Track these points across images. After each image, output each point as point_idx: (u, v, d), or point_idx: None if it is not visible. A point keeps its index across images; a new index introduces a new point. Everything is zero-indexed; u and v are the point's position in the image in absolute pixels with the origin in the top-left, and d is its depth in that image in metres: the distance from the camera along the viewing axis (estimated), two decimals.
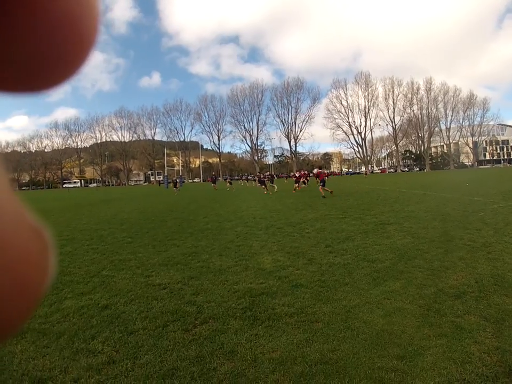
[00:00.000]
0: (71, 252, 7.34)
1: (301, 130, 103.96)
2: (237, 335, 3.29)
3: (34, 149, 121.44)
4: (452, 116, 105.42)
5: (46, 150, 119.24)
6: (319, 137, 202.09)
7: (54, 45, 0.22)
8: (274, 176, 29.81)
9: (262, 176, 26.28)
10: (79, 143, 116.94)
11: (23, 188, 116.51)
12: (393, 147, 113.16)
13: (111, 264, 6.10)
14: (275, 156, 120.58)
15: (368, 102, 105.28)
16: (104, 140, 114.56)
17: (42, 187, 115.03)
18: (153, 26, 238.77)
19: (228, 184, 36.64)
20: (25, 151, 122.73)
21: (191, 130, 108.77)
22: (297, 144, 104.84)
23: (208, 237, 8.23)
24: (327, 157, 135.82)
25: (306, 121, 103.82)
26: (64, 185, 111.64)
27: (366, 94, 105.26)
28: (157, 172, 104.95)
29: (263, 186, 24.72)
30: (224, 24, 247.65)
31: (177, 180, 37.93)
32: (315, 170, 20.72)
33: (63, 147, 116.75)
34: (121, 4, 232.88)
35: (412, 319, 3.43)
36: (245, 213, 12.74)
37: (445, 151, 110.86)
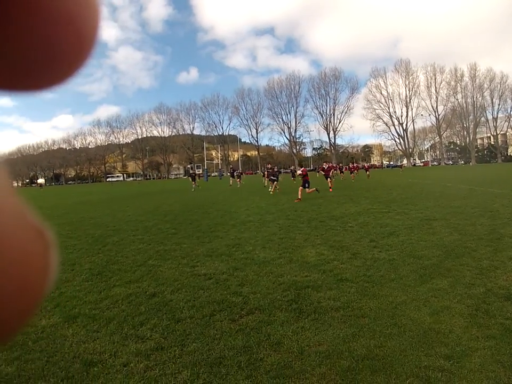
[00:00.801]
0: (117, 242, 7.67)
1: (339, 122, 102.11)
2: (283, 327, 3.29)
3: (79, 145, 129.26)
4: (499, 105, 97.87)
5: (89, 147, 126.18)
6: (359, 128, 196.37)
7: (52, 44, 0.21)
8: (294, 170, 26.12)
9: (272, 169, 21.71)
10: (121, 139, 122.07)
11: (69, 182, 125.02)
12: (437, 138, 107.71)
13: (157, 254, 6.29)
14: (314, 149, 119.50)
15: (409, 91, 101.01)
16: (144, 136, 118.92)
17: (87, 181, 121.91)
18: (188, 22, 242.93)
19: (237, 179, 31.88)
20: (70, 148, 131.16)
21: (229, 124, 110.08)
22: (336, 136, 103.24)
23: (250, 229, 8.29)
24: (367, 149, 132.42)
25: (345, 112, 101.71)
26: (107, 179, 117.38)
27: (407, 82, 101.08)
28: (197, 166, 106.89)
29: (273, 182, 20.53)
30: (258, 16, 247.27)
31: (234, 172, 34.72)
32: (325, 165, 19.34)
33: (106, 143, 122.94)
34: (155, 2, 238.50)
35: (460, 319, 3.31)
36: (285, 206, 12.72)
37: (492, 142, 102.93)
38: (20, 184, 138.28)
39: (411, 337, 3.01)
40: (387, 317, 3.39)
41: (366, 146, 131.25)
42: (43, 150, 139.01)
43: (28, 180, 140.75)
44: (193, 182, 29.93)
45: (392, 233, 6.99)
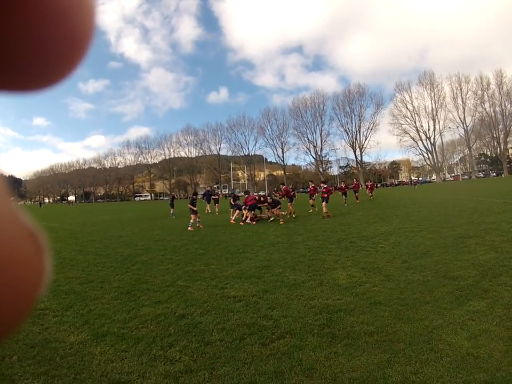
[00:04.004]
0: (146, 261, 7.80)
1: (366, 139, 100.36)
2: (316, 352, 3.23)
3: (109, 165, 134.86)
4: None
5: (119, 166, 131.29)
6: (386, 144, 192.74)
7: (46, 43, 0.21)
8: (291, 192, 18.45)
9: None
10: (149, 160, 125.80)
11: (98, 200, 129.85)
12: (466, 151, 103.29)
13: (186, 275, 6.34)
14: (340, 167, 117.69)
15: (435, 104, 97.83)
16: (172, 156, 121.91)
17: (116, 200, 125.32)
18: (217, 42, 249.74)
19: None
20: (100, 167, 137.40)
21: (255, 144, 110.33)
22: (363, 154, 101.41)
23: (279, 250, 8.25)
24: (395, 166, 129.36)
25: (371, 129, 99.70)
26: (135, 198, 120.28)
27: (432, 95, 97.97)
28: (223, 186, 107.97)
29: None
30: (287, 35, 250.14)
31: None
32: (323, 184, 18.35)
33: (135, 163, 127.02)
34: (185, 24, 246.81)
35: (499, 343, 3.18)
36: (314, 226, 12.60)
37: None
38: (51, 201, 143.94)
39: (448, 363, 2.92)
40: (423, 342, 3.30)
41: (393, 163, 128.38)
42: (74, 169, 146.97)
43: (58, 197, 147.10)
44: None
45: (426, 253, 6.83)
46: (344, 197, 23.37)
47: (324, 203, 15.34)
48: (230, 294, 5.04)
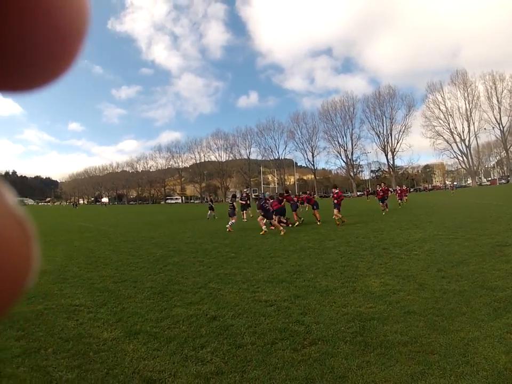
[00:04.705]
0: (178, 263, 7.94)
1: (397, 142, 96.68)
2: (348, 360, 3.17)
3: (141, 169, 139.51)
4: None
5: (151, 170, 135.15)
6: (418, 147, 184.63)
7: (37, 43, 0.21)
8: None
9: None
10: (180, 164, 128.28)
11: (130, 202, 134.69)
12: (503, 153, 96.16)
13: (217, 278, 6.40)
14: (372, 171, 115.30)
15: (469, 104, 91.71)
16: (202, 160, 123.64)
17: (148, 202, 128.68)
18: (246, 47, 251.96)
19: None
20: (133, 171, 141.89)
21: (285, 148, 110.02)
22: (395, 157, 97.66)
23: (311, 255, 8.18)
24: (428, 170, 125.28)
25: (403, 132, 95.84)
26: (167, 201, 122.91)
27: (466, 94, 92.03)
28: (253, 190, 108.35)
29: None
30: (315, 37, 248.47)
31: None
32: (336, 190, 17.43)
33: (166, 167, 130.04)
34: (213, 29, 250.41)
35: None
36: (345, 232, 12.42)
37: None
38: (86, 202, 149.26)
39: (484, 378, 2.80)
40: (458, 354, 3.18)
41: (427, 167, 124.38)
42: (108, 172, 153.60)
43: (93, 199, 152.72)
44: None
45: (462, 262, 6.61)
46: (381, 203, 20.76)
47: (335, 210, 14.99)
48: (261, 298, 5.04)
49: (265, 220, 13.88)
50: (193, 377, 3.02)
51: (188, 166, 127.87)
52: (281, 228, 13.48)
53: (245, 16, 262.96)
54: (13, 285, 0.22)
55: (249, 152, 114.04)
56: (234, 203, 15.95)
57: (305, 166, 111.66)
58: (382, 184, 21.59)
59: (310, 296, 5.06)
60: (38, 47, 0.22)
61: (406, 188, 35.74)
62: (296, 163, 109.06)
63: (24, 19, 0.21)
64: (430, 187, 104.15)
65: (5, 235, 0.21)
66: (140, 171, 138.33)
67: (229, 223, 14.81)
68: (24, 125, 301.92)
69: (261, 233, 13.08)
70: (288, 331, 3.86)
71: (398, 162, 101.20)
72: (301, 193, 21.49)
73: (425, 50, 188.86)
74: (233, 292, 5.43)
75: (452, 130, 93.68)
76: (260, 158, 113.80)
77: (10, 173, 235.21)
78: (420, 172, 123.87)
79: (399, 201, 26.72)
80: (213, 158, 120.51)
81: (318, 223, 16.07)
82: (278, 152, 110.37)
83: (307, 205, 20.36)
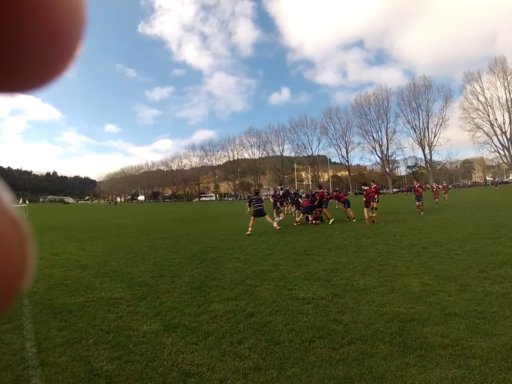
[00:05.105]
0: (215, 259, 8.04)
1: (435, 136, 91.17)
2: (387, 361, 3.11)
3: (175, 167, 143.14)
4: None
5: (185, 168, 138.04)
6: (457, 141, 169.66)
7: (34, 42, 0.21)
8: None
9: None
10: (213, 162, 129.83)
11: (166, 200, 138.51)
12: None
13: (254, 274, 6.43)
14: (408, 167, 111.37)
15: (509, 94, 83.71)
16: (236, 158, 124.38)
17: (182, 200, 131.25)
18: (276, 43, 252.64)
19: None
20: (167, 169, 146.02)
21: (318, 145, 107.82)
22: (432, 152, 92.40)
23: (348, 253, 8.08)
24: (467, 165, 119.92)
25: (440, 125, 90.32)
26: (201, 199, 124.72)
27: (506, 83, 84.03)
28: (286, 186, 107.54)
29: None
30: (345, 30, 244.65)
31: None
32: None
33: (200, 165, 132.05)
34: (242, 27, 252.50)
35: None
36: (382, 230, 12.18)
37: None
38: (123, 200, 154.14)
39: None
40: (501, 360, 3.04)
41: (466, 161, 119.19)
42: (144, 171, 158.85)
43: (129, 197, 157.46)
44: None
45: (505, 263, 6.33)
46: (417, 201, 18.77)
47: (365, 209, 14.63)
48: (298, 296, 5.02)
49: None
50: (231, 372, 3.04)
51: (222, 164, 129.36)
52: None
53: (273, 12, 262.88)
54: (8, 286, 0.22)
55: (282, 149, 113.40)
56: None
57: (339, 162, 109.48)
58: (415, 182, 19.74)
59: (348, 294, 4.99)
60: (34, 47, 0.22)
61: (446, 185, 33.62)
62: (330, 159, 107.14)
63: (21, 20, 0.20)
64: (469, 183, 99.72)
65: (1, 236, 0.21)
66: (175, 169, 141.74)
67: (276, 220, 15.07)
68: (63, 128, 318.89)
69: (277, 228, 13.12)
70: (326, 329, 3.83)
71: (435, 157, 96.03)
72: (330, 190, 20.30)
73: (460, 38, 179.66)
74: (270, 289, 5.44)
75: (492, 122, 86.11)
76: (293, 154, 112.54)
77: (51, 173, 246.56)
78: (458, 167, 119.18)
79: (436, 200, 23.72)
80: (246, 156, 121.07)
81: (353, 220, 15.92)
82: (311, 149, 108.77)
83: (337, 202, 19.85)
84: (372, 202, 17.94)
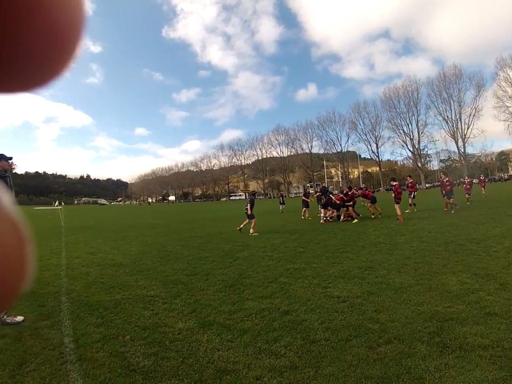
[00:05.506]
0: (247, 257, 8.09)
1: (468, 127, 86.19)
2: (425, 361, 3.04)
3: (205, 167, 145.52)
4: None
5: (214, 168, 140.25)
6: (491, 132, 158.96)
7: (32, 42, 0.21)
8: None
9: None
10: (242, 161, 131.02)
11: (196, 200, 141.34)
12: None
13: (287, 272, 6.42)
14: (441, 160, 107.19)
15: None
16: (264, 156, 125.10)
17: (212, 199, 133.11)
18: (299, 39, 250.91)
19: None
20: (197, 169, 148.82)
21: (347, 140, 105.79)
22: (466, 144, 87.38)
23: (382, 251, 7.94)
24: (503, 157, 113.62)
25: (473, 116, 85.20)
26: (230, 198, 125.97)
27: None
28: (316, 184, 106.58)
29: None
30: (370, 20, 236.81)
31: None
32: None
33: (229, 165, 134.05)
34: (265, 25, 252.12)
35: None
36: (416, 227, 11.90)
37: None
38: (154, 200, 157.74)
39: None
40: None
41: (501, 154, 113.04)
42: (174, 172, 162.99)
43: (160, 197, 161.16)
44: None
45: None
46: (447, 198, 16.55)
47: (396, 205, 14.21)
48: (333, 294, 4.96)
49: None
50: (267, 370, 3.04)
51: (250, 163, 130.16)
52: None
53: (294, 8, 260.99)
54: (8, 289, 0.22)
55: (311, 146, 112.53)
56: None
57: (370, 157, 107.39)
58: (441, 176, 17.71)
59: (384, 293, 4.90)
60: (34, 47, 0.22)
61: (484, 178, 31.75)
62: (359, 155, 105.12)
63: (21, 19, 0.20)
64: (506, 176, 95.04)
65: (1, 241, 0.21)
66: (204, 170, 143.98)
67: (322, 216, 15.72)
68: (94, 133, 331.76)
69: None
70: (363, 328, 3.77)
71: (469, 150, 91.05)
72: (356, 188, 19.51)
73: (491, 21, 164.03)
74: (304, 287, 5.41)
75: None
76: (322, 151, 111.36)
77: (85, 176, 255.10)
78: (494, 159, 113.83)
79: (467, 196, 21.29)
80: (275, 154, 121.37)
81: (380, 215, 15.84)
82: (340, 145, 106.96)
83: (364, 199, 19.43)
84: (408, 198, 17.48)
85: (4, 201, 0.22)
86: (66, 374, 3.11)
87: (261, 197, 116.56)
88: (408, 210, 17.36)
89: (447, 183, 16.35)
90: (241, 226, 13.53)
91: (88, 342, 3.75)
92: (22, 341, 3.86)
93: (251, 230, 12.69)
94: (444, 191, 16.75)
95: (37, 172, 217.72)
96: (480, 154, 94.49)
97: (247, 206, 13.17)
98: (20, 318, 4.42)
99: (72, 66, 0.24)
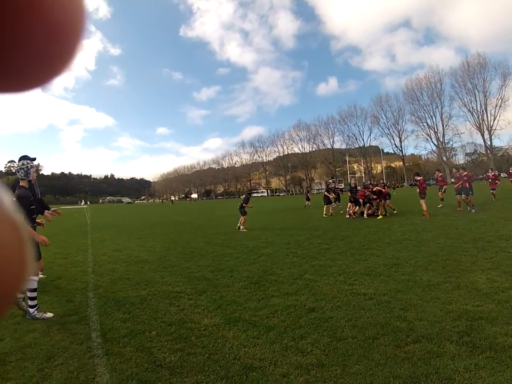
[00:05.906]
0: (272, 254, 8.10)
1: (494, 119, 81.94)
2: (454, 362, 2.96)
3: (226, 165, 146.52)
4: None
5: (236, 166, 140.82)
6: None
7: (33, 41, 0.21)
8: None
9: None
10: (264, 158, 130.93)
11: (218, 197, 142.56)
12: None
13: (312, 269, 6.40)
14: (467, 154, 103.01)
15: None
16: (286, 153, 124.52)
17: (234, 196, 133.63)
18: (318, 32, 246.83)
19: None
20: (218, 167, 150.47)
21: (370, 135, 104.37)
22: (492, 137, 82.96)
23: (408, 248, 7.80)
24: None
25: (500, 106, 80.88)
26: (252, 195, 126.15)
27: None
28: (338, 180, 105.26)
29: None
30: (389, 10, 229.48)
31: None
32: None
33: (250, 162, 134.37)
34: (282, 19, 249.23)
35: None
36: (443, 223, 11.64)
37: None
38: (177, 198, 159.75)
39: None
40: None
41: None
42: (195, 170, 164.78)
43: (183, 195, 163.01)
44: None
45: None
46: (492, 190, 17.95)
47: (422, 200, 13.92)
48: (360, 291, 4.92)
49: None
50: (294, 367, 3.04)
51: (272, 160, 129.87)
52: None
53: (311, 1, 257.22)
54: (7, 289, 0.22)
55: (332, 142, 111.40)
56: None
57: (393, 152, 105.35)
58: (455, 171, 16.34)
59: (411, 291, 4.82)
60: (35, 47, 0.22)
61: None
62: (382, 150, 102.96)
63: (21, 19, 0.20)
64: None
65: (1, 242, 0.21)
66: (226, 167, 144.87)
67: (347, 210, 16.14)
68: (117, 134, 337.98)
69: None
70: (390, 326, 3.72)
71: (496, 143, 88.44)
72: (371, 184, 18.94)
73: None
74: (329, 284, 5.37)
75: None
76: (344, 146, 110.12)
77: (109, 176, 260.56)
78: None
79: (492, 192, 19.45)
80: (296, 150, 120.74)
81: (394, 211, 15.96)
82: (362, 140, 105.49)
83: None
84: (438, 192, 17.11)
85: (3, 202, 0.23)
86: (94, 368, 3.18)
87: (282, 194, 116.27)
88: (440, 205, 16.95)
89: (465, 178, 14.90)
90: (239, 224, 13.72)
91: (115, 337, 3.84)
92: (51, 335, 3.98)
93: (241, 226, 13.28)
94: (458, 187, 15.20)
95: (62, 173, 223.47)
96: (507, 147, 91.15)
97: (241, 203, 13.82)
98: (49, 315, 4.56)
99: (72, 66, 0.24)
